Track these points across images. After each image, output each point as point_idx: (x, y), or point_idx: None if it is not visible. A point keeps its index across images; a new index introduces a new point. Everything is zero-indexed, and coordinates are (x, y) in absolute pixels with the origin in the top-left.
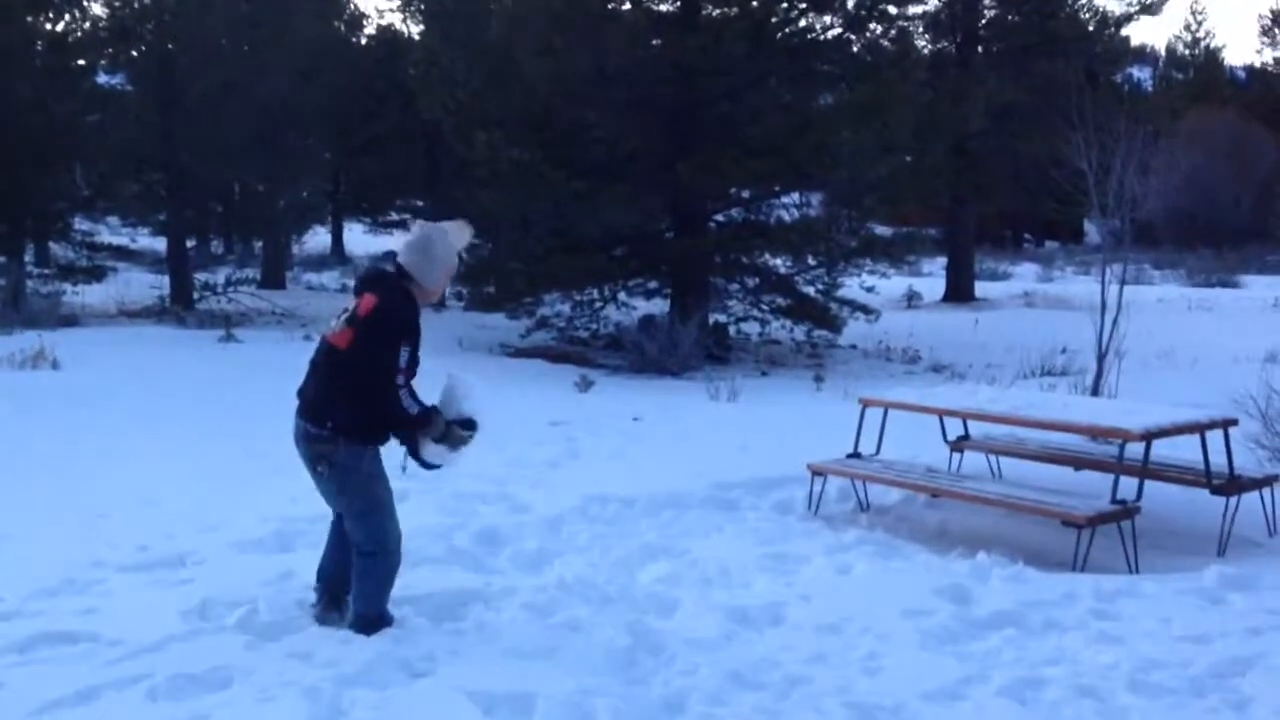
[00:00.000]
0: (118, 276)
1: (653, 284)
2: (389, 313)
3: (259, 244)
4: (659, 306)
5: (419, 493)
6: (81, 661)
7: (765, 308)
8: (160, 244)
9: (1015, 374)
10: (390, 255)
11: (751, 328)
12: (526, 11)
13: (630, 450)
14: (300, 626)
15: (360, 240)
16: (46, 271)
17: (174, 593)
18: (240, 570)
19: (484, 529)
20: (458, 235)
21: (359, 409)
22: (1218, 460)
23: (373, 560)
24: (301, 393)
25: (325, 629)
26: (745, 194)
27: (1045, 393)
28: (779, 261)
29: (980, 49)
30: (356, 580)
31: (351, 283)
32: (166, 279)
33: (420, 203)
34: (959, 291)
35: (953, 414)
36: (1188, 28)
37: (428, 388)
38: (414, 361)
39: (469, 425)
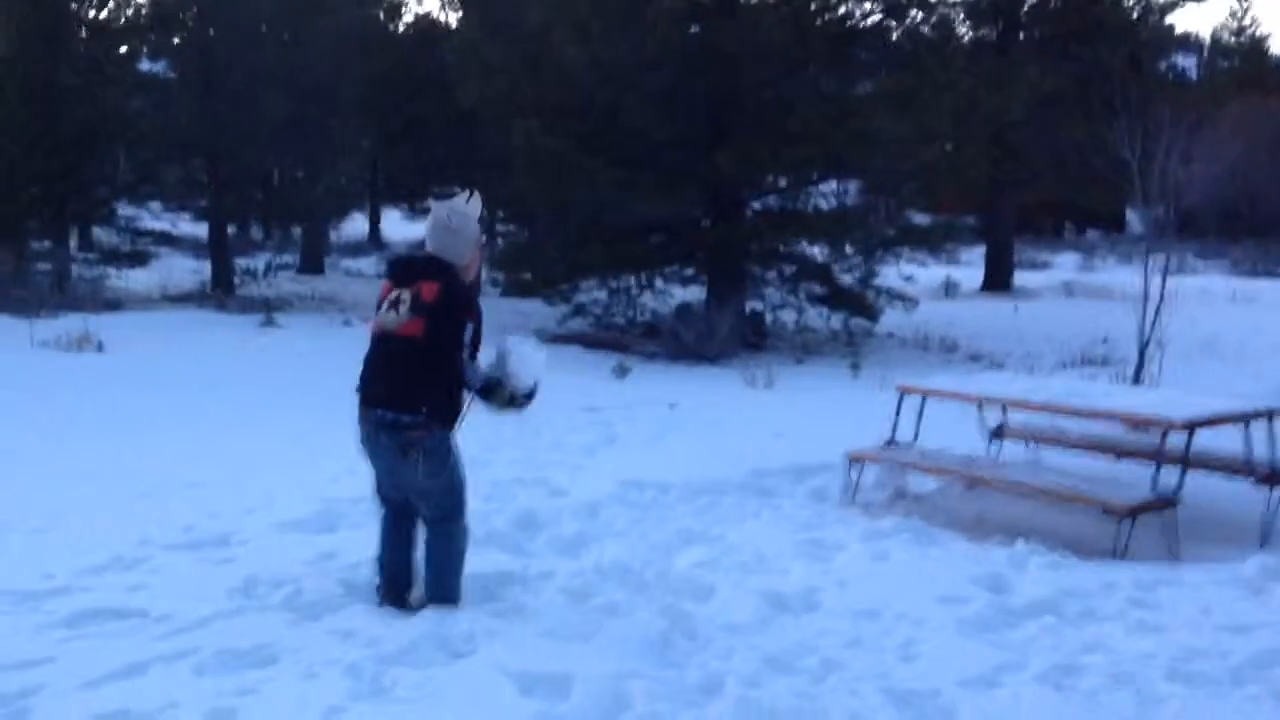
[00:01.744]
0: (160, 262)
1: (689, 271)
2: (455, 295)
3: (298, 230)
4: (696, 294)
5: None
6: (130, 636)
7: (802, 296)
8: (201, 230)
9: (1055, 363)
10: (421, 249)
11: (788, 315)
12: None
13: (667, 436)
14: (342, 605)
15: (397, 226)
16: (91, 256)
17: (219, 571)
18: (283, 550)
19: (522, 513)
20: (471, 206)
21: (445, 392)
22: (1261, 451)
23: (459, 537)
24: (372, 385)
25: (367, 607)
26: (782, 182)
27: (1086, 381)
28: (816, 250)
29: (1022, 36)
30: (441, 558)
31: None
32: (208, 264)
33: (457, 189)
34: (998, 280)
35: (991, 401)
36: (1233, 15)
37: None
38: (477, 337)
39: (529, 393)
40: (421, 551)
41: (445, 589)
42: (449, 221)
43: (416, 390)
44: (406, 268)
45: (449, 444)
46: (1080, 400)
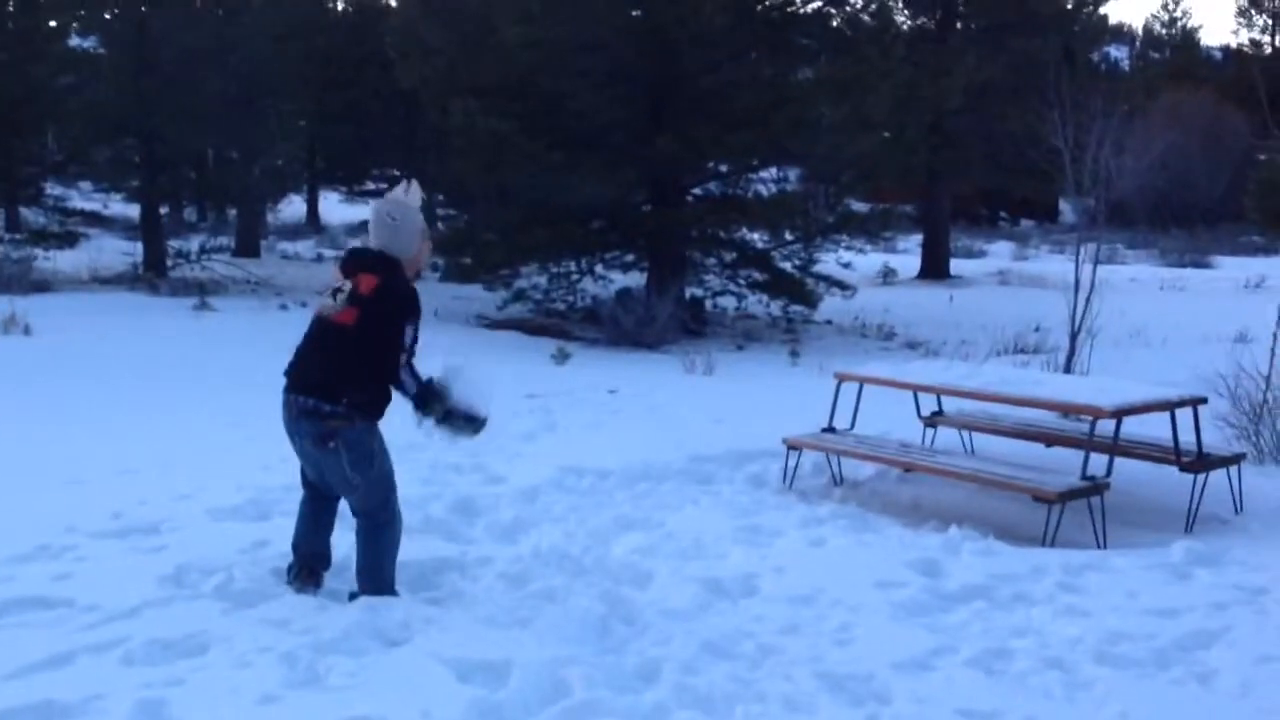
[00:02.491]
0: (90, 243)
1: (630, 257)
2: (391, 290)
3: (233, 212)
4: (636, 280)
5: (394, 462)
6: (56, 626)
7: (742, 282)
8: (133, 210)
9: (989, 351)
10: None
11: (728, 302)
12: None
13: (606, 423)
14: (276, 594)
15: (336, 209)
16: (18, 236)
17: (149, 559)
18: (215, 538)
19: (460, 499)
20: (410, 197)
21: (370, 385)
22: (1187, 438)
23: (388, 530)
24: (298, 370)
25: (301, 596)
26: (723, 168)
27: (1018, 369)
28: (756, 236)
29: (959, 26)
30: (370, 552)
31: (327, 252)
32: (139, 246)
33: (396, 171)
34: (934, 268)
35: (927, 389)
36: (1165, 7)
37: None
38: (415, 340)
39: (474, 419)
40: (350, 540)
41: (380, 580)
42: (390, 218)
43: (340, 380)
44: (354, 259)
45: (371, 436)
46: (1013, 388)
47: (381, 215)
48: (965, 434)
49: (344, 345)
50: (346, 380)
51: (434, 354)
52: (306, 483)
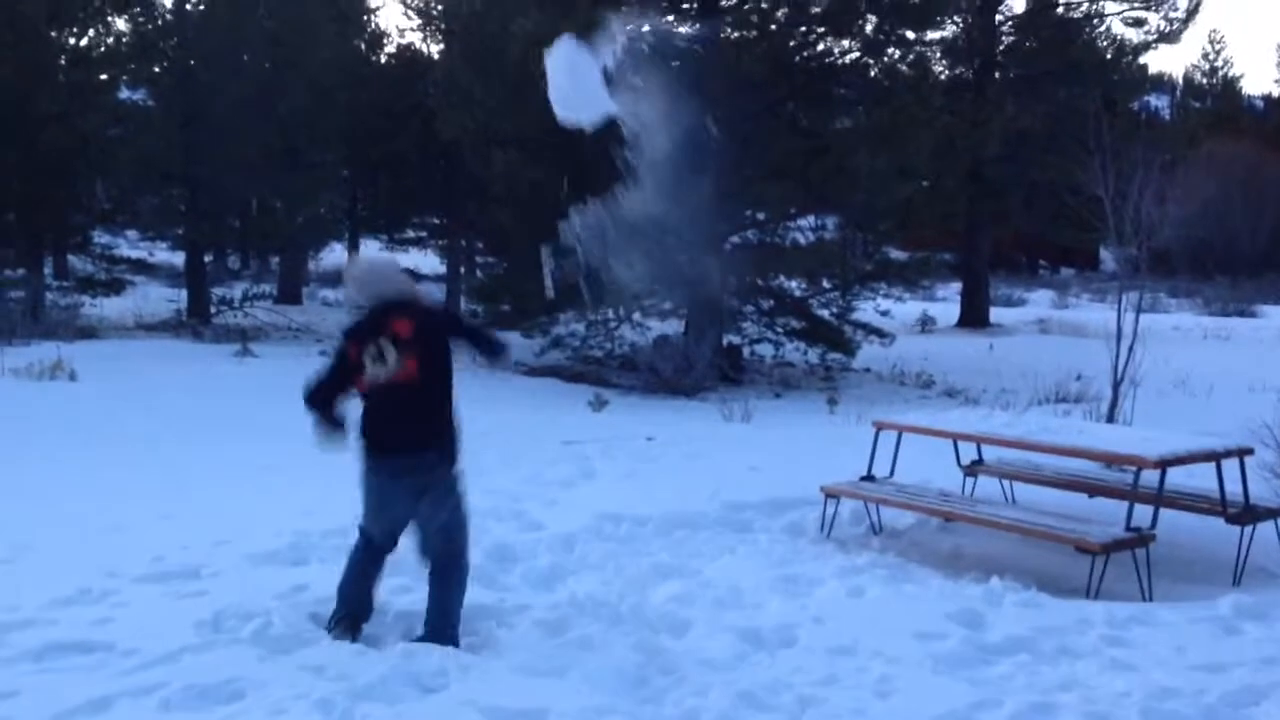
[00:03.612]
0: (135, 290)
1: (667, 305)
2: (430, 315)
3: (276, 259)
4: (674, 327)
5: None
6: (96, 671)
7: (779, 330)
8: (177, 258)
9: (1029, 400)
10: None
11: (765, 350)
12: (546, 32)
13: (643, 470)
14: (313, 640)
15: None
16: (65, 284)
17: (188, 604)
18: (254, 583)
19: (497, 545)
20: (372, 256)
21: (452, 425)
22: (1233, 489)
23: (465, 572)
24: (385, 436)
25: (338, 643)
26: (760, 216)
27: (1060, 418)
28: (794, 284)
29: (998, 75)
30: (450, 596)
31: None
32: (184, 293)
33: (436, 220)
34: (973, 317)
35: (967, 438)
36: (1205, 57)
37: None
38: (473, 330)
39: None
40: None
41: (450, 628)
42: (372, 270)
43: (432, 433)
44: (367, 322)
45: (462, 478)
46: (1054, 437)
47: (364, 271)
48: (1006, 483)
49: (419, 397)
50: (437, 430)
51: (469, 403)
52: (366, 538)
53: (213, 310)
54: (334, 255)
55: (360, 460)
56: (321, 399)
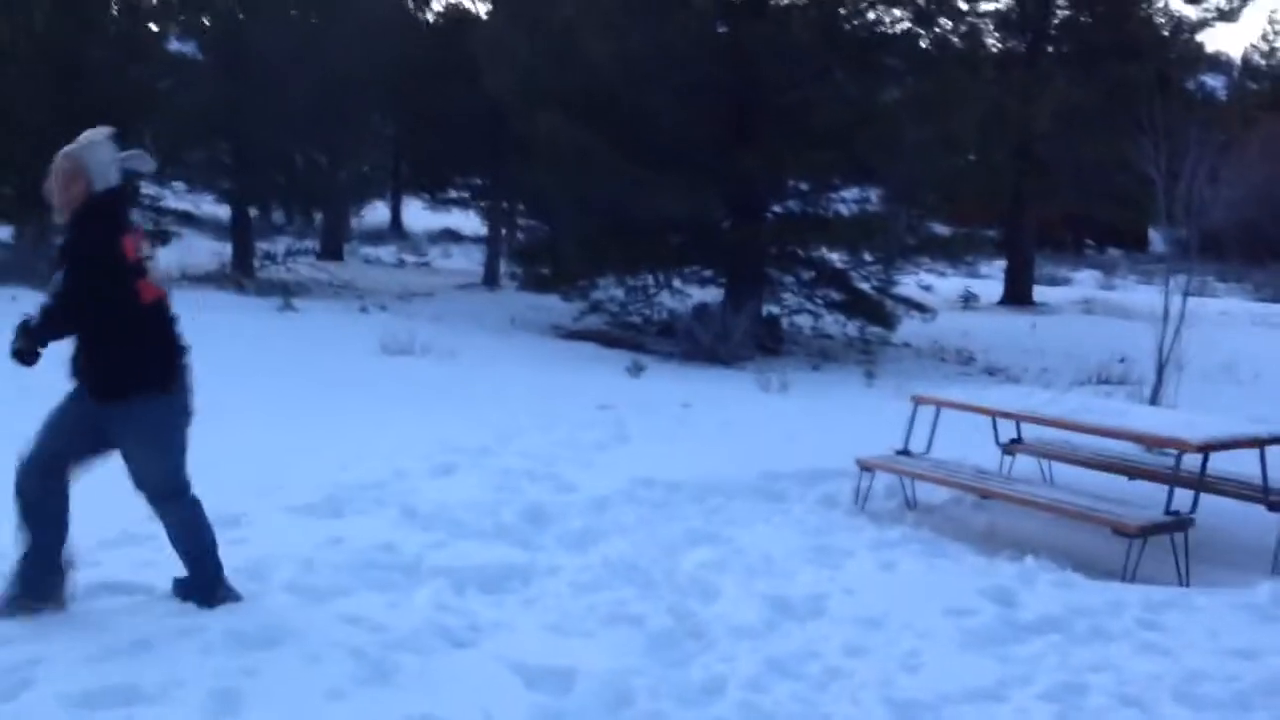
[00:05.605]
0: (181, 242)
1: (707, 272)
2: None
3: (319, 215)
4: (713, 295)
5: (467, 467)
6: (138, 613)
7: (819, 301)
8: (223, 211)
9: (1071, 380)
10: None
11: (804, 321)
12: None
13: (678, 436)
14: (348, 590)
15: (419, 216)
16: None
17: (228, 551)
18: (292, 533)
19: (530, 506)
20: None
21: None
22: (1276, 476)
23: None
24: (181, 366)
25: (372, 594)
26: (804, 186)
27: (1102, 399)
28: (835, 256)
29: (1050, 49)
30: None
31: (409, 258)
32: (228, 246)
33: (479, 180)
34: (1017, 294)
35: (1006, 416)
36: (1265, 37)
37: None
38: None
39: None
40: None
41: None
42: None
43: None
44: (122, 207)
45: None
46: (1096, 418)
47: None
48: (1045, 463)
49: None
50: None
51: (507, 364)
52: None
53: (256, 264)
54: (376, 213)
55: (160, 401)
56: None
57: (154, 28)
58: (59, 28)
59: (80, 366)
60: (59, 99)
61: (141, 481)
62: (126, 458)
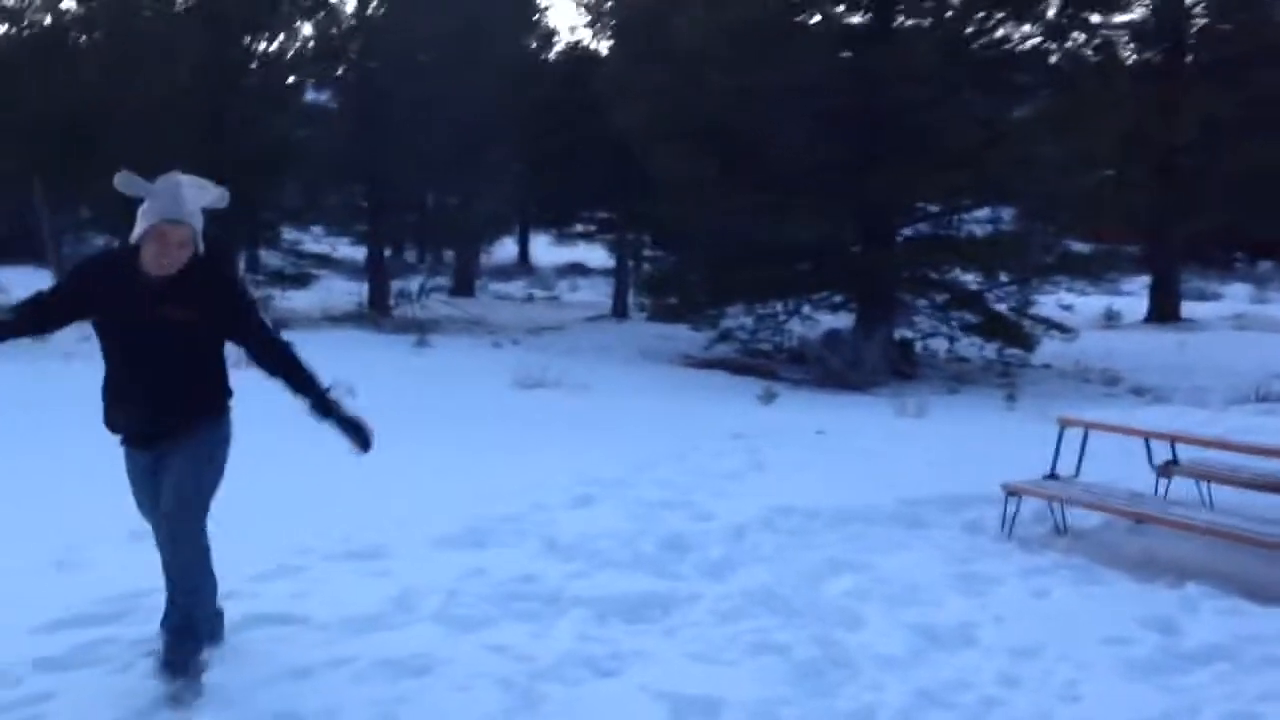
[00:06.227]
0: (320, 283)
1: (837, 298)
2: None
3: (451, 253)
4: (844, 321)
5: (604, 498)
6: (293, 642)
7: (954, 324)
8: (358, 253)
9: (1226, 399)
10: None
11: (939, 344)
12: (715, 24)
13: (814, 463)
14: (493, 620)
15: (546, 251)
16: (258, 278)
17: (375, 582)
18: (435, 564)
19: (669, 535)
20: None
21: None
22: None
23: None
24: None
25: (518, 624)
26: (934, 208)
27: (1263, 418)
28: (969, 277)
29: (1189, 59)
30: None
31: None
32: (364, 286)
33: (605, 214)
34: (1163, 311)
35: (1160, 437)
36: None
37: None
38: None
39: None
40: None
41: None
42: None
43: None
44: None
45: None
46: (1257, 437)
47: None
48: (1204, 485)
49: None
50: None
51: (638, 394)
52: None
53: (391, 303)
54: (505, 249)
55: (229, 436)
56: None
57: (291, 80)
58: (202, 83)
59: (164, 398)
60: (200, 152)
61: (187, 497)
62: (179, 473)
